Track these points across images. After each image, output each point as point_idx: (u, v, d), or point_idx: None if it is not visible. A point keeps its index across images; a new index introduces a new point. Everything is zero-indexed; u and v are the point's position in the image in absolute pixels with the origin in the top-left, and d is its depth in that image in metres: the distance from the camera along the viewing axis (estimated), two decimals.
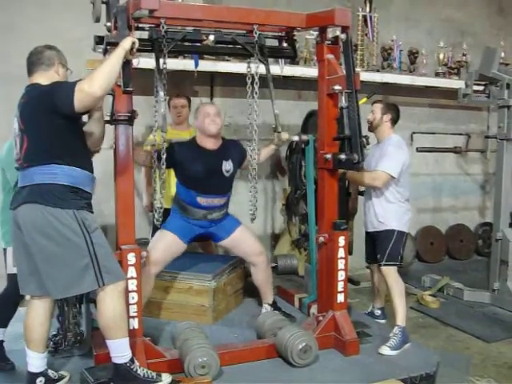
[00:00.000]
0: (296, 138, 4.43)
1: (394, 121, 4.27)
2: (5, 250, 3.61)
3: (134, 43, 2.96)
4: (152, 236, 4.80)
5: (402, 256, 4.15)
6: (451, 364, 3.90)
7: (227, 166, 4.08)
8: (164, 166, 3.64)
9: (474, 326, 4.71)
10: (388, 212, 4.15)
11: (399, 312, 4.00)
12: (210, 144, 4.06)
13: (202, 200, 4.03)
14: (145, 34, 3.69)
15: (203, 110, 4.03)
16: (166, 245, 4.01)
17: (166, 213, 4.04)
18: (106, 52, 3.24)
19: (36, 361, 3.12)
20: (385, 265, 4.08)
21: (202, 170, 3.97)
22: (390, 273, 4.07)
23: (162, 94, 3.47)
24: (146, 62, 4.04)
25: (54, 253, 2.90)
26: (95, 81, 2.75)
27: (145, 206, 5.16)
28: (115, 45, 2.98)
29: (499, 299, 5.20)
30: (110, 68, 2.82)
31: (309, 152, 4.34)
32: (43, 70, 3.06)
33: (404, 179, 4.17)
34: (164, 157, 3.63)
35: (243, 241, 4.23)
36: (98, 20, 3.24)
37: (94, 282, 2.94)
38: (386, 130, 4.23)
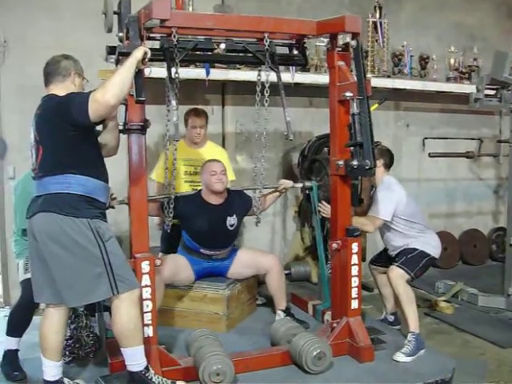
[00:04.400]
0: (300, 185, 4.50)
1: (388, 165, 4.31)
2: (18, 263, 3.70)
3: (145, 53, 2.96)
4: (162, 245, 4.85)
5: (417, 273, 4.09)
6: (467, 370, 3.85)
7: (231, 220, 4.19)
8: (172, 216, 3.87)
9: (489, 332, 4.67)
10: (411, 244, 4.16)
11: (411, 319, 3.98)
12: (215, 200, 4.17)
13: (205, 251, 4.19)
14: (156, 44, 3.72)
15: (209, 168, 4.12)
16: (177, 265, 4.14)
17: (174, 228, 4.07)
18: (118, 62, 3.26)
19: (52, 369, 3.13)
20: (398, 266, 4.04)
21: (206, 226, 4.09)
22: (399, 280, 4.01)
23: (174, 103, 3.48)
24: (157, 71, 4.07)
25: (68, 261, 2.92)
26: (108, 90, 2.77)
27: (156, 224, 5.09)
28: (127, 55, 2.98)
29: None
30: (122, 77, 2.83)
31: (314, 198, 4.38)
32: (59, 80, 3.10)
33: (413, 212, 4.19)
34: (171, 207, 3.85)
35: (249, 260, 4.32)
36: (110, 30, 3.27)
37: (108, 291, 2.96)
38: (379, 175, 4.22)
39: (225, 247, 4.25)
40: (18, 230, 3.63)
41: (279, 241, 6.21)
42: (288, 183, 4.43)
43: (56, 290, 3.01)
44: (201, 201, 4.17)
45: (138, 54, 2.93)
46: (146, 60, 3.00)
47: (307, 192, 4.56)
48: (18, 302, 3.62)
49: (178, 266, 4.15)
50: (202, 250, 4.19)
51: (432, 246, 4.21)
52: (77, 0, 5.12)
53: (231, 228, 4.20)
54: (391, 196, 4.16)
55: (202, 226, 4.09)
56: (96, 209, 3.04)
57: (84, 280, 2.94)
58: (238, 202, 4.30)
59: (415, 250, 4.13)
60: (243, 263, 4.34)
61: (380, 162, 4.21)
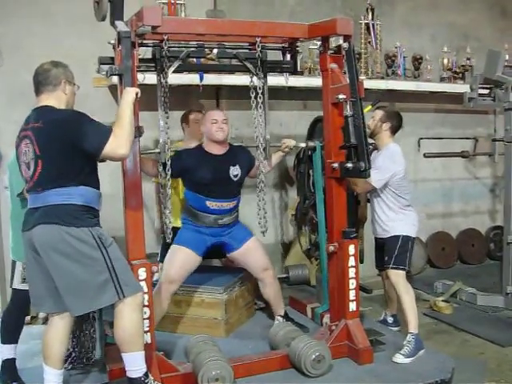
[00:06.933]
0: (303, 145, 4.44)
1: (395, 129, 4.24)
2: (13, 261, 3.60)
3: (137, 94, 3.08)
4: (161, 255, 4.76)
5: (409, 261, 4.12)
6: (466, 369, 3.86)
7: (234, 171, 4.07)
8: (169, 175, 3.71)
9: (489, 331, 4.67)
10: (391, 220, 4.15)
11: (411, 319, 3.98)
12: (217, 150, 4.07)
13: (211, 204, 4.01)
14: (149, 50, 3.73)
15: (210, 117, 4.04)
16: (182, 261, 4.01)
17: (174, 231, 4.00)
18: (109, 75, 3.27)
19: (52, 377, 3.12)
20: (392, 268, 4.06)
21: (210, 176, 3.96)
22: (399, 279, 4.04)
23: (163, 112, 3.55)
24: (151, 77, 4.07)
25: (73, 270, 2.91)
26: (124, 144, 2.94)
27: (157, 228, 5.02)
28: (120, 75, 3.12)
29: None
30: (130, 127, 2.98)
31: (316, 158, 4.34)
32: (50, 90, 3.07)
33: (403, 187, 4.16)
34: (169, 163, 3.71)
35: (253, 253, 4.19)
36: (103, 19, 3.20)
37: (114, 296, 2.96)
38: (384, 139, 4.20)
39: (230, 198, 4.07)
40: (14, 197, 3.51)
41: (277, 244, 6.23)
42: (291, 141, 4.31)
43: (59, 300, 3.00)
44: (203, 152, 4.06)
45: (130, 98, 3.05)
46: (137, 98, 3.11)
47: (309, 153, 4.50)
48: (7, 307, 3.61)
49: (185, 261, 4.01)
50: (207, 203, 3.99)
51: (413, 225, 4.19)
52: (71, 7, 5.11)
53: (235, 179, 4.07)
54: (391, 167, 4.08)
55: (205, 177, 3.95)
56: (94, 217, 3.05)
57: (89, 287, 2.94)
58: (241, 154, 4.19)
59: (397, 238, 4.10)
60: (247, 254, 4.20)
61: (387, 126, 4.17)
